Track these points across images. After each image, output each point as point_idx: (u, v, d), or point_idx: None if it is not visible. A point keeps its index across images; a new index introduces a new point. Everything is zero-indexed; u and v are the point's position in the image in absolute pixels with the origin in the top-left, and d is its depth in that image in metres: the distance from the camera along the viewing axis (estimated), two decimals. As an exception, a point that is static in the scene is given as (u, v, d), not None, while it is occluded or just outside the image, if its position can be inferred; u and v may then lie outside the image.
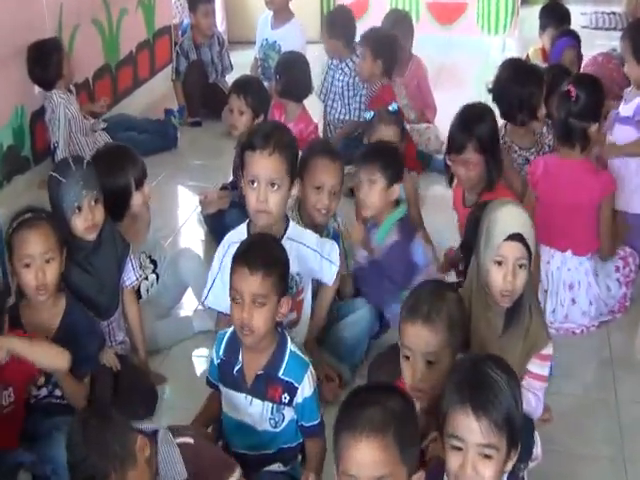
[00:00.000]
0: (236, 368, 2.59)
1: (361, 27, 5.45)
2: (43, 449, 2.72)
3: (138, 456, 2.17)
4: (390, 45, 5.06)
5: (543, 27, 5.57)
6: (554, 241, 3.61)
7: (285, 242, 2.89)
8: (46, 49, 4.79)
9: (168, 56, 6.58)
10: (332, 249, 3.16)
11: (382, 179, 3.46)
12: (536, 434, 2.63)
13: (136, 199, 3.37)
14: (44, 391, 2.87)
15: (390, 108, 4.26)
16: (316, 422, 2.57)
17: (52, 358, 2.69)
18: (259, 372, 2.56)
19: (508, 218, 2.59)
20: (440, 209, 4.07)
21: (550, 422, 2.94)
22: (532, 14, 6.47)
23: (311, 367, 2.57)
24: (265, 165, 2.91)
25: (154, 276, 3.59)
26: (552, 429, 2.92)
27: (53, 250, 2.80)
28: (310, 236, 3.12)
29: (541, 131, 4.10)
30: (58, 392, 2.86)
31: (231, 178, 4.67)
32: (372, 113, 4.26)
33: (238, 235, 3.03)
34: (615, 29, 7.98)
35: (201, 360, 3.48)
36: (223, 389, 2.66)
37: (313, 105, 5.27)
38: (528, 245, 2.56)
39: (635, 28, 4.38)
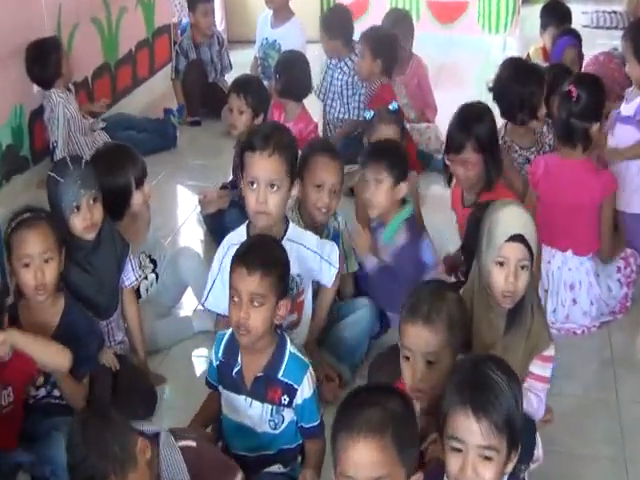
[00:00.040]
0: (235, 370, 2.58)
1: (361, 26, 5.44)
2: (42, 450, 2.71)
3: (139, 458, 2.16)
4: (390, 44, 5.04)
5: (544, 26, 5.57)
6: (555, 241, 3.60)
7: (285, 243, 2.87)
8: (45, 48, 4.78)
9: (167, 55, 6.57)
10: (332, 251, 3.16)
11: (389, 178, 3.44)
12: (537, 435, 2.63)
13: (136, 198, 3.37)
14: (42, 391, 2.87)
15: (390, 107, 4.25)
16: (316, 423, 2.56)
17: (54, 355, 2.69)
18: (258, 374, 2.55)
19: (510, 219, 2.58)
20: (440, 209, 4.06)
21: (551, 423, 2.93)
22: (533, 13, 6.46)
23: (310, 368, 2.56)
24: (264, 166, 2.90)
25: (153, 275, 3.58)
26: (553, 429, 2.91)
27: (52, 250, 2.80)
28: (310, 237, 3.11)
29: (541, 130, 4.09)
30: (57, 392, 2.86)
31: (231, 177, 4.67)
32: (372, 112, 4.25)
33: (237, 237, 3.02)
34: (616, 28, 7.97)
35: (201, 360, 3.48)
36: (222, 391, 2.65)
37: (313, 104, 5.26)
38: (530, 246, 2.55)
39: (636, 28, 4.36)
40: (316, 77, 5.22)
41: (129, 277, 3.21)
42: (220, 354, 2.63)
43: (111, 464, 2.09)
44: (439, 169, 4.24)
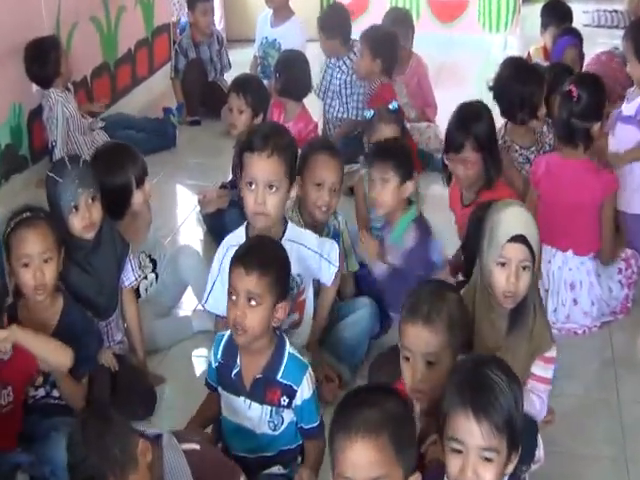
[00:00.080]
0: (234, 372, 2.57)
1: (361, 25, 5.43)
2: (41, 450, 2.70)
3: (139, 460, 2.14)
4: (389, 44, 5.03)
5: (545, 25, 5.56)
6: (555, 240, 3.59)
7: (285, 244, 2.86)
8: (44, 47, 4.77)
9: (167, 54, 6.56)
10: (332, 249, 3.15)
11: (395, 177, 3.42)
12: (539, 436, 2.62)
13: (137, 197, 3.36)
14: (42, 391, 2.86)
15: (390, 107, 4.24)
16: (315, 424, 2.56)
17: (56, 353, 2.68)
18: (257, 376, 2.54)
19: (512, 219, 2.57)
20: (440, 209, 4.05)
21: (552, 424, 2.92)
22: (534, 12, 6.44)
23: (310, 369, 2.56)
24: (263, 167, 2.89)
25: (153, 275, 3.58)
26: (554, 430, 2.91)
27: (51, 250, 2.79)
28: (310, 237, 3.11)
29: (541, 130, 4.09)
30: (56, 392, 2.86)
31: (230, 177, 4.66)
32: (372, 112, 4.24)
33: (236, 238, 3.01)
34: (617, 27, 7.96)
35: (200, 360, 3.47)
36: (222, 392, 2.65)
37: (313, 104, 5.25)
38: (531, 247, 2.54)
39: (637, 27, 4.35)
40: (316, 76, 5.22)
41: (129, 277, 3.20)
42: (219, 355, 2.62)
43: (111, 466, 2.07)
44: (439, 169, 4.23)
